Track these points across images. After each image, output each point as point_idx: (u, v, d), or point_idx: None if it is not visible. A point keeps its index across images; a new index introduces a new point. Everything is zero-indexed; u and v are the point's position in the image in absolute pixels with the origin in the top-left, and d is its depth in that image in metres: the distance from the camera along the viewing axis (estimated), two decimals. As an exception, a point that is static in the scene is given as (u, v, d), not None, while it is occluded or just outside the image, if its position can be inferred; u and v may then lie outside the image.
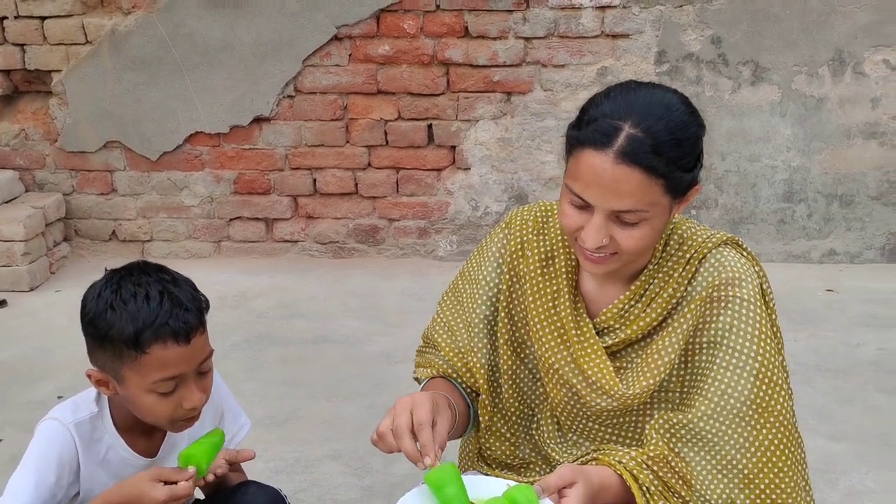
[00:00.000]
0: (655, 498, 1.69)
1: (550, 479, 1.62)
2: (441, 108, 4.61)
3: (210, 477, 1.82)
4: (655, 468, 1.71)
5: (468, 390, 1.94)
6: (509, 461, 1.96)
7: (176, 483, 1.68)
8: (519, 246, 1.91)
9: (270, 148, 4.76)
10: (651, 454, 1.72)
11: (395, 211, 4.80)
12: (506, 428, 1.94)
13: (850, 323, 3.95)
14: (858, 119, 4.45)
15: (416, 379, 2.06)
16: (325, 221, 4.86)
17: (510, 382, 1.92)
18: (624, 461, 1.72)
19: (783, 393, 1.74)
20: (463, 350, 1.92)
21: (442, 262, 4.82)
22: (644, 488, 1.69)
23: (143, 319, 1.63)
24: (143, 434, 1.83)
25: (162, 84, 4.68)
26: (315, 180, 4.80)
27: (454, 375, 1.94)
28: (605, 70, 4.47)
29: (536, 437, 1.94)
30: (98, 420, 1.78)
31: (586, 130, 1.64)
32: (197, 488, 2.02)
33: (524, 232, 1.91)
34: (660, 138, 1.59)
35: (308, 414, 3.32)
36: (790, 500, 1.72)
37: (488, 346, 1.91)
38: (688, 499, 1.70)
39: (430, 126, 4.65)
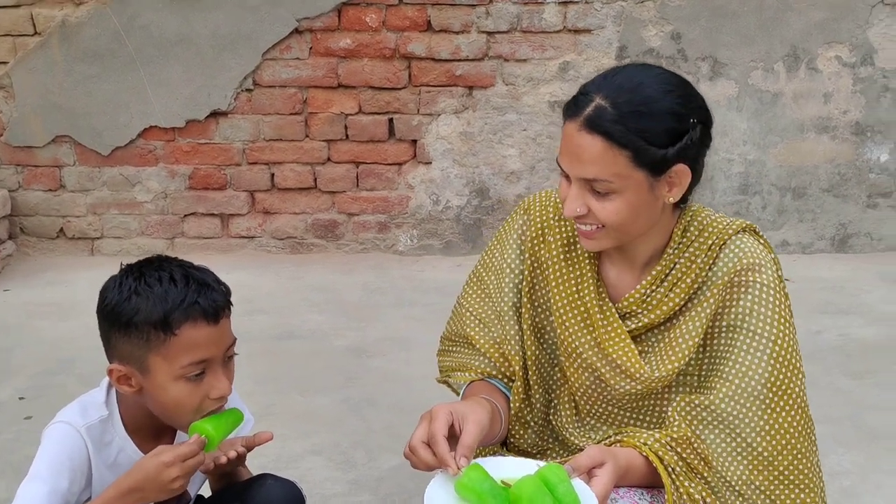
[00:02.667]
0: (681, 479, 1.70)
1: (581, 458, 1.62)
2: (402, 102, 4.59)
3: (223, 459, 1.78)
4: (679, 449, 1.72)
5: (509, 384, 1.93)
6: (529, 449, 1.95)
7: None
8: (540, 231, 1.91)
9: (227, 142, 4.68)
10: (675, 436, 1.73)
11: (355, 206, 4.76)
12: (531, 416, 1.94)
13: (808, 311, 4.05)
14: (812, 113, 4.57)
15: (447, 383, 2.05)
16: (282, 217, 4.80)
17: (534, 368, 1.92)
18: (649, 443, 1.73)
19: (800, 375, 1.77)
20: (498, 340, 1.92)
21: (402, 256, 4.80)
22: (669, 469, 1.70)
23: (172, 300, 1.59)
24: (152, 437, 1.77)
25: (115, 77, 4.57)
26: (273, 175, 4.74)
27: (493, 373, 1.93)
28: (566, 65, 4.51)
29: (554, 422, 1.94)
30: (108, 423, 1.72)
31: (568, 104, 1.71)
32: (205, 484, 1.98)
33: (544, 217, 1.92)
34: (622, 109, 1.63)
35: (283, 409, 3.26)
36: (807, 481, 1.75)
37: (520, 333, 1.91)
38: (709, 479, 1.72)
39: (391, 120, 4.63)
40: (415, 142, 4.66)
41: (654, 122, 1.65)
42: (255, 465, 2.80)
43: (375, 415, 3.21)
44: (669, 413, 1.78)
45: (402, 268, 4.68)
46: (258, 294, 4.36)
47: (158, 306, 1.59)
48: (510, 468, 1.64)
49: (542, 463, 1.66)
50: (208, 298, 1.62)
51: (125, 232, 4.83)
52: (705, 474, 1.71)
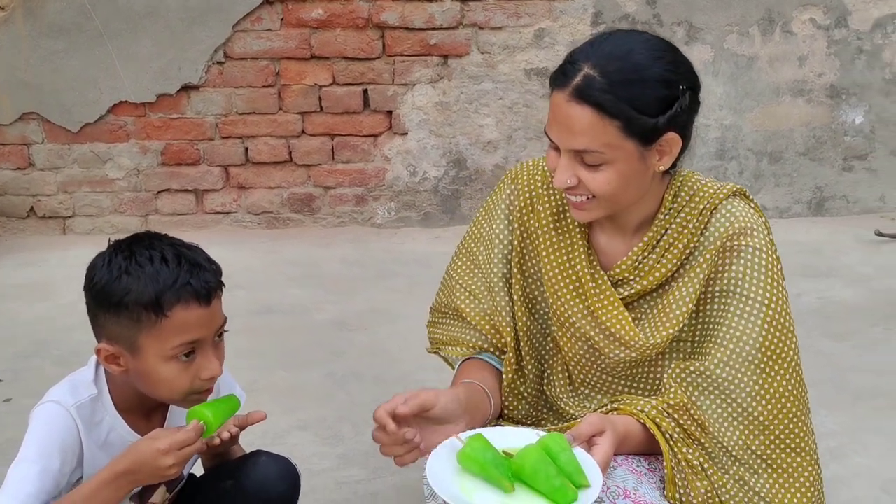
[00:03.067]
0: (679, 445, 1.70)
1: (582, 427, 1.62)
2: (377, 72, 4.53)
3: (217, 441, 1.76)
4: (675, 416, 1.72)
5: (501, 357, 1.92)
6: (524, 420, 1.95)
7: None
8: (528, 201, 1.90)
9: (200, 117, 4.61)
10: (671, 402, 1.73)
11: (331, 178, 4.71)
12: (524, 387, 1.93)
13: (788, 274, 3.95)
14: (787, 77, 4.57)
15: (437, 353, 2.06)
16: (257, 191, 4.74)
17: (525, 339, 1.91)
18: (646, 410, 1.73)
19: (794, 339, 1.78)
20: (489, 312, 1.90)
21: (380, 229, 4.77)
22: (667, 435, 1.71)
23: (164, 281, 1.56)
24: (143, 415, 1.75)
25: (82, 52, 4.47)
26: (247, 149, 4.67)
27: (485, 347, 1.92)
28: (542, 32, 4.47)
29: (548, 393, 1.94)
30: (98, 402, 1.70)
31: (555, 73, 1.69)
32: (198, 462, 1.95)
33: (532, 187, 1.90)
34: (612, 78, 1.61)
35: (267, 385, 3.23)
36: (802, 444, 1.76)
37: (510, 304, 1.90)
38: (706, 445, 1.72)
39: (365, 91, 4.58)
40: (390, 113, 4.61)
41: (644, 90, 1.63)
42: (242, 441, 2.79)
43: (361, 388, 3.19)
44: (665, 380, 1.79)
45: (380, 240, 4.65)
46: (235, 270, 4.27)
47: (150, 287, 1.56)
48: (511, 438, 1.63)
49: (542, 432, 1.65)
50: (200, 279, 1.59)
51: (97, 210, 4.75)
52: (702, 440, 1.72)
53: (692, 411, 1.72)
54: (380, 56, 4.51)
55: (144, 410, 1.75)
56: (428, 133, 4.63)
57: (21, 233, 4.75)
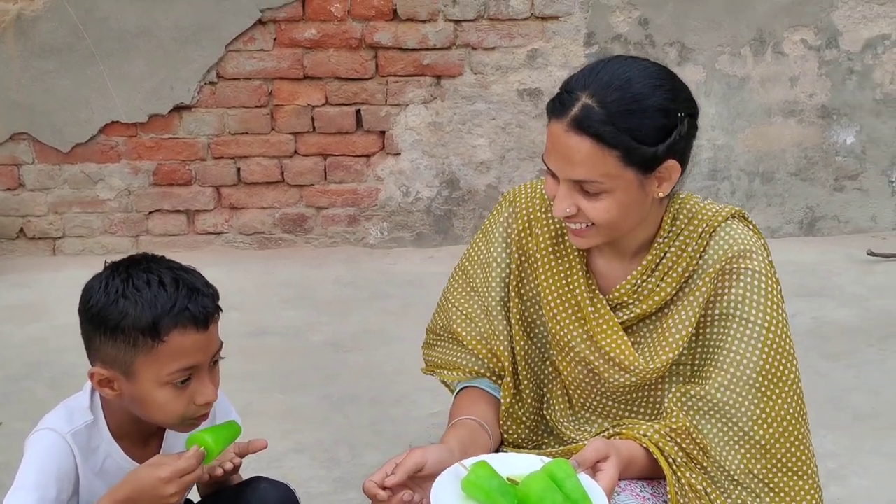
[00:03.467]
0: (682, 469, 1.69)
1: (587, 452, 1.61)
2: (370, 92, 4.53)
3: (219, 471, 1.73)
4: (678, 440, 1.72)
5: (497, 382, 1.91)
6: (524, 444, 1.93)
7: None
8: (526, 224, 1.89)
9: (192, 137, 4.59)
10: (673, 426, 1.73)
11: (324, 199, 4.70)
12: (522, 411, 1.91)
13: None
14: (778, 97, 4.59)
15: (432, 374, 2.05)
16: (249, 212, 4.72)
17: (524, 363, 1.90)
18: (649, 434, 1.72)
19: (794, 361, 1.78)
20: (486, 336, 1.89)
21: (373, 249, 4.75)
22: (670, 459, 1.70)
23: (162, 305, 1.54)
24: (139, 441, 1.73)
25: (74, 72, 4.45)
26: (239, 169, 4.65)
27: (482, 371, 1.90)
28: (535, 52, 4.48)
29: (548, 417, 1.93)
30: (94, 428, 1.67)
31: (552, 101, 1.68)
32: (193, 488, 1.93)
33: (531, 210, 1.89)
34: (612, 108, 1.60)
35: (263, 408, 3.21)
36: (804, 467, 1.76)
37: (508, 328, 1.88)
38: (709, 469, 1.71)
39: (358, 111, 4.57)
40: (383, 133, 4.60)
41: (644, 119, 1.62)
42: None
43: (358, 411, 3.17)
44: (666, 404, 1.78)
45: (373, 261, 4.63)
46: (228, 291, 4.19)
47: (147, 311, 1.54)
48: (515, 464, 1.62)
49: (546, 458, 1.64)
50: (198, 304, 1.58)
51: (88, 231, 4.72)
52: (704, 464, 1.71)
53: (694, 435, 1.72)
54: (373, 76, 4.51)
55: (141, 436, 1.72)
56: (421, 153, 4.62)
57: (10, 254, 4.71)
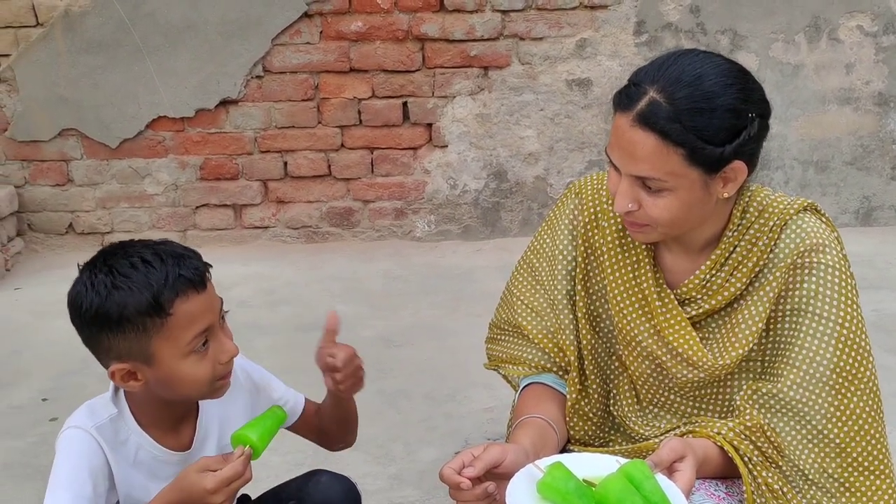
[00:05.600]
0: (758, 469, 1.65)
1: (663, 453, 1.56)
2: (417, 84, 4.49)
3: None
4: (753, 438, 1.67)
5: (563, 376, 1.87)
6: (591, 441, 1.89)
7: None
8: (593, 216, 1.85)
9: (238, 131, 4.59)
10: (748, 425, 1.68)
11: (371, 192, 4.68)
12: (588, 407, 1.87)
13: None
14: (833, 85, 4.50)
15: (496, 370, 2.00)
16: (296, 206, 4.71)
17: (590, 357, 1.86)
18: (723, 432, 1.68)
19: (869, 357, 1.72)
20: (552, 330, 1.85)
21: (420, 242, 4.72)
22: (746, 458, 1.65)
23: (156, 282, 1.51)
24: (170, 429, 1.70)
25: (121, 67, 4.46)
26: (286, 163, 4.65)
27: (548, 366, 1.86)
28: (583, 42, 4.42)
29: (615, 412, 1.88)
30: (119, 421, 1.65)
31: (619, 94, 1.63)
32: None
33: (597, 202, 1.85)
34: (680, 105, 1.55)
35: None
36: (882, 466, 1.71)
37: (574, 322, 1.84)
38: (783, 468, 1.67)
39: (405, 104, 4.54)
40: (430, 125, 4.57)
41: (712, 119, 1.56)
42: (289, 461, 2.76)
43: (410, 406, 3.15)
44: (738, 402, 1.73)
45: (421, 254, 4.60)
46: (277, 285, 4.28)
47: (145, 292, 1.51)
48: (590, 465, 1.57)
49: (622, 459, 1.59)
50: (189, 267, 1.55)
51: (136, 226, 4.74)
52: (780, 463, 1.66)
53: (769, 434, 1.67)
54: (419, 68, 4.48)
55: (171, 423, 1.70)
56: (468, 145, 4.58)
57: (60, 249, 4.74)
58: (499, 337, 1.99)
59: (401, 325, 3.80)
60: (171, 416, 1.69)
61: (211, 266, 1.63)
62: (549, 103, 4.51)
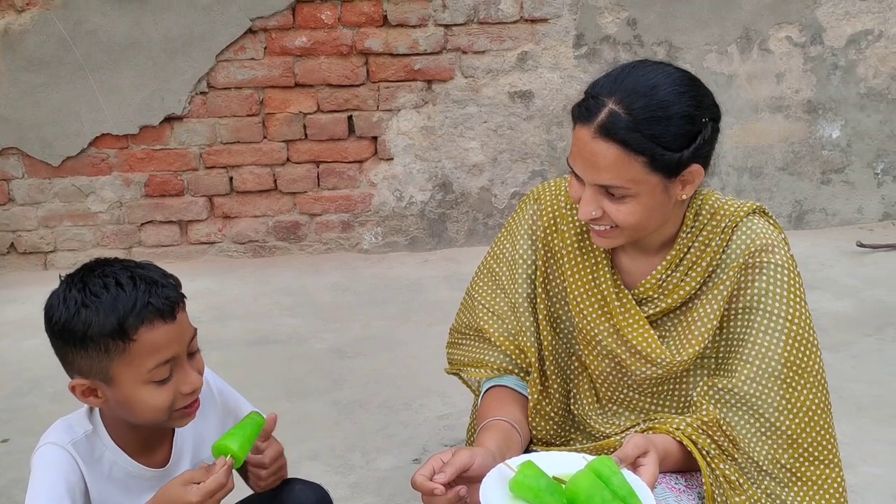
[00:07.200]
0: (716, 461, 1.72)
1: (628, 449, 1.62)
2: (361, 98, 4.54)
3: (262, 485, 1.73)
4: (710, 432, 1.74)
5: (524, 378, 1.92)
6: (553, 440, 1.95)
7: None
8: (552, 221, 1.91)
9: (183, 147, 4.58)
10: (704, 419, 1.75)
11: (317, 206, 4.70)
12: (550, 407, 1.93)
13: None
14: (765, 94, 4.65)
15: (457, 374, 2.05)
16: (243, 220, 4.72)
17: (551, 358, 1.92)
18: (682, 427, 1.74)
19: (817, 352, 1.81)
20: (513, 332, 1.91)
21: (368, 254, 4.76)
22: (704, 452, 1.72)
23: (123, 306, 1.51)
24: (144, 445, 1.70)
25: (63, 85, 4.43)
26: (232, 178, 4.65)
27: (509, 368, 1.92)
28: (525, 55, 4.51)
29: (576, 412, 1.94)
30: (94, 438, 1.65)
31: (578, 106, 1.70)
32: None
33: (556, 207, 1.91)
34: (638, 115, 1.62)
35: (271, 416, 3.21)
36: (830, 456, 1.80)
37: (535, 325, 1.90)
38: (739, 460, 1.74)
39: (350, 118, 4.58)
40: (375, 138, 4.62)
41: (669, 126, 1.64)
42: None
43: (367, 416, 3.18)
44: (695, 398, 1.80)
45: (368, 266, 4.64)
46: (225, 300, 4.28)
47: (111, 315, 1.51)
48: (558, 463, 1.63)
49: (589, 456, 1.65)
50: (160, 296, 1.55)
51: (80, 244, 4.69)
52: (735, 455, 1.73)
53: (724, 428, 1.74)
54: (364, 82, 4.52)
55: (144, 440, 1.70)
56: (413, 158, 4.64)
57: (2, 269, 4.67)
58: (460, 341, 2.04)
59: (352, 337, 3.83)
60: (142, 435, 1.68)
61: (185, 297, 1.61)
62: (492, 115, 4.59)
